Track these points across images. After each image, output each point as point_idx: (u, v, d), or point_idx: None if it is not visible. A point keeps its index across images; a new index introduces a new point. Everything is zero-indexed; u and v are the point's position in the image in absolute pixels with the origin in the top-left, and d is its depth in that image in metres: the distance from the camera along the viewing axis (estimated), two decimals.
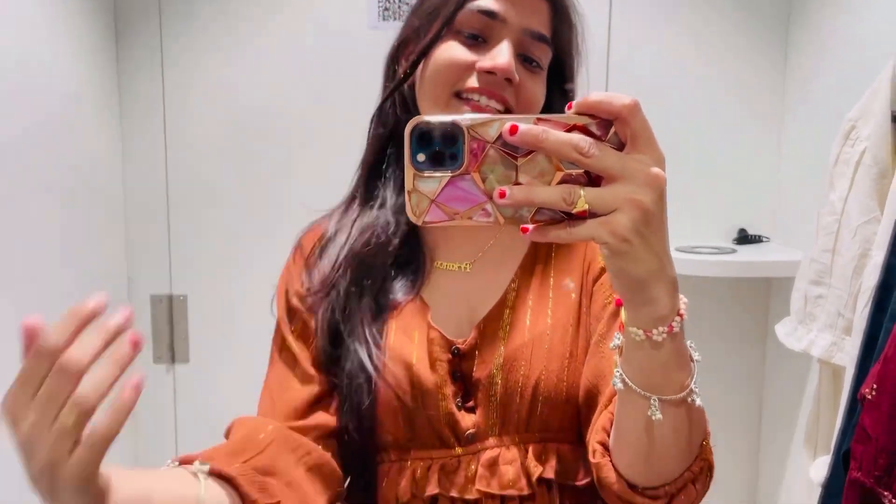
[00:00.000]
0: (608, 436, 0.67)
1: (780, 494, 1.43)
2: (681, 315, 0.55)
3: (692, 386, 0.58)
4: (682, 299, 0.56)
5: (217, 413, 1.52)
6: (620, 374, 0.59)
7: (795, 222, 1.43)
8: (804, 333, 1.09)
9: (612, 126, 0.49)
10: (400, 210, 0.79)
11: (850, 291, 1.02)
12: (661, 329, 0.54)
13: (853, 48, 1.24)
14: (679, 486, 0.64)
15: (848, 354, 1.01)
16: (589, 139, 0.48)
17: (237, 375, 1.52)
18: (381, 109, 0.80)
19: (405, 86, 0.77)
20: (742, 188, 1.50)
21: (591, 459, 0.68)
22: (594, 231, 0.49)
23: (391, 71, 0.79)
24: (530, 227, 0.50)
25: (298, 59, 1.45)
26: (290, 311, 0.80)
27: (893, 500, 0.73)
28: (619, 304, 0.57)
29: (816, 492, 1.10)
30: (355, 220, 0.81)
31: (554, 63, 0.76)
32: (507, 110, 0.72)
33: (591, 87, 0.77)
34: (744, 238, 1.49)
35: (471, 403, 0.76)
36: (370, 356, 0.75)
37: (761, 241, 1.48)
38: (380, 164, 0.82)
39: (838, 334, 1.03)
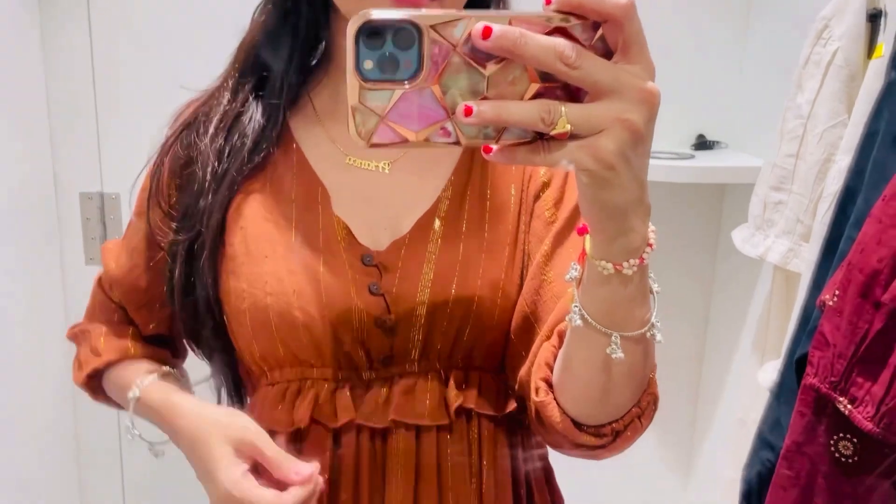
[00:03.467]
0: (551, 372, 0.62)
1: (721, 398, 1.46)
2: (650, 245, 0.50)
3: (653, 320, 0.53)
4: (651, 227, 0.50)
5: None
6: (579, 310, 0.53)
7: (755, 129, 1.40)
8: (761, 240, 1.08)
9: (599, 29, 0.41)
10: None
11: (811, 197, 1.00)
12: (632, 262, 0.49)
13: None
14: (626, 422, 0.60)
15: (804, 261, 1.00)
16: (574, 45, 0.40)
17: None
18: None
19: None
20: (702, 94, 1.46)
21: (534, 398, 0.62)
22: (574, 155, 0.42)
23: None
24: (495, 146, 0.42)
25: None
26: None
27: (848, 406, 0.73)
28: (582, 233, 0.51)
29: (762, 396, 1.12)
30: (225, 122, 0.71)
31: None
32: None
33: None
34: (702, 144, 1.46)
35: (389, 320, 0.67)
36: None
37: (719, 146, 1.46)
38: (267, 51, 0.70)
39: (796, 240, 1.02)
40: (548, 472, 0.80)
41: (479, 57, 0.40)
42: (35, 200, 1.34)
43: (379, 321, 0.67)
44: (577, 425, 0.60)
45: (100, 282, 0.80)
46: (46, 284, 1.39)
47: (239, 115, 0.70)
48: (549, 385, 0.62)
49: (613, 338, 0.52)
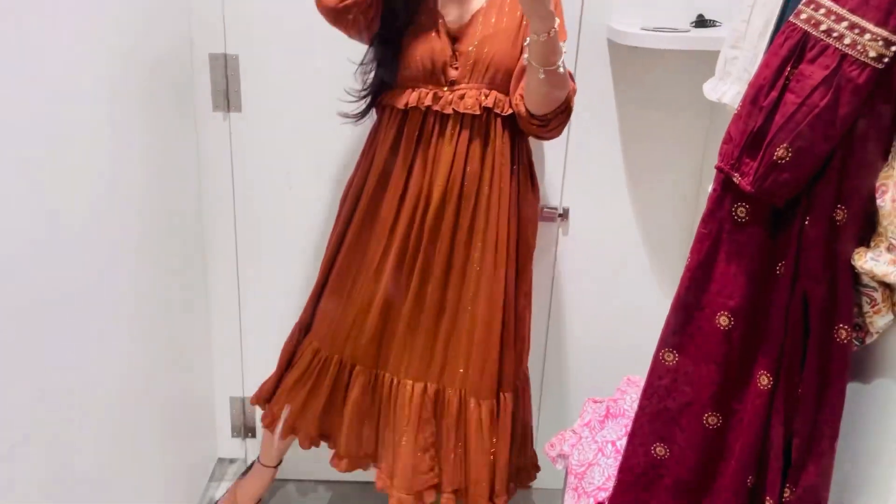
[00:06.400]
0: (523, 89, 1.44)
1: None
2: (553, 28, 1.27)
3: (560, 62, 1.34)
4: (556, 21, 1.28)
5: (263, 152, 1.91)
6: (526, 56, 1.35)
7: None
8: (720, 86, 1.42)
9: None
10: None
11: (755, 51, 1.34)
12: (542, 35, 1.28)
13: None
14: (553, 115, 1.44)
15: None
16: None
17: (281, 123, 1.88)
18: None
19: None
20: None
21: (514, 101, 1.47)
22: None
23: None
24: None
25: None
26: None
27: (739, 178, 1.10)
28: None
29: None
30: None
31: None
32: None
33: None
34: (701, 22, 1.77)
35: (456, 64, 1.49)
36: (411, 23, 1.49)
37: (715, 25, 1.77)
38: None
39: (743, 85, 1.37)
40: (528, 150, 1.65)
41: None
42: (174, 60, 1.75)
43: (451, 63, 1.49)
44: (531, 115, 1.44)
45: None
46: (183, 126, 1.83)
47: None
48: (521, 96, 1.45)
49: (539, 69, 1.33)
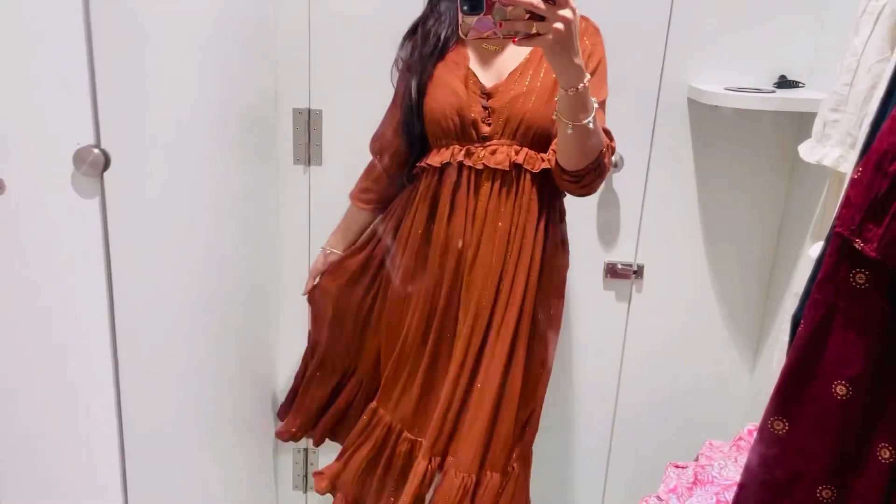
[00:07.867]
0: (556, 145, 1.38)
1: (793, 276, 1.79)
2: (581, 83, 1.19)
3: (589, 118, 1.24)
4: (587, 76, 1.20)
5: (340, 205, 1.91)
6: (556, 111, 1.26)
7: (828, 72, 1.70)
8: (820, 149, 1.41)
9: None
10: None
11: (859, 115, 1.33)
12: (571, 90, 1.20)
13: None
14: (585, 171, 1.35)
15: (850, 163, 1.33)
16: None
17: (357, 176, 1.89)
18: None
19: None
20: (786, 40, 1.77)
21: (546, 156, 1.43)
22: (539, 43, 1.11)
23: None
24: (517, 39, 1.10)
25: None
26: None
27: (860, 243, 1.07)
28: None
29: None
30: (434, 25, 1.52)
31: None
32: None
33: None
34: (783, 83, 1.77)
35: (489, 120, 1.46)
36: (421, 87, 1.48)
37: (798, 86, 1.77)
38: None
39: (846, 149, 1.35)
40: (562, 210, 1.58)
41: (504, 3, 1.06)
42: (260, 113, 1.78)
43: (484, 119, 1.45)
44: (563, 170, 1.37)
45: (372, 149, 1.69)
46: (265, 177, 1.85)
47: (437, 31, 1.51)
48: (554, 151, 1.40)
49: (568, 125, 1.25)
